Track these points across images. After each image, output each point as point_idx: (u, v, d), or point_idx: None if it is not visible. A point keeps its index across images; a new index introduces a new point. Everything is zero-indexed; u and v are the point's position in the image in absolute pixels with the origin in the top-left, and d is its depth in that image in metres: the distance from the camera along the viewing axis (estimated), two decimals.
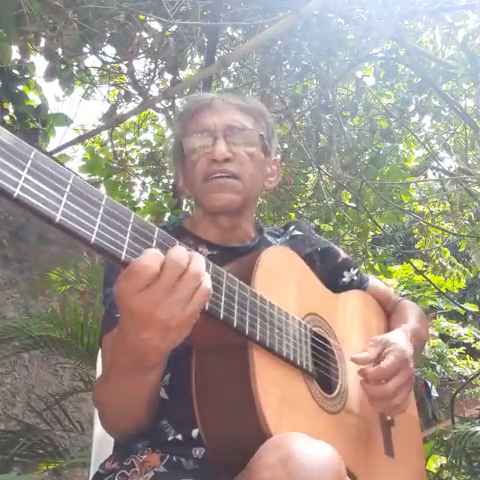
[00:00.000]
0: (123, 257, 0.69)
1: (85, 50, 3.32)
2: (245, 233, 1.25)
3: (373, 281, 1.41)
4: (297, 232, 1.34)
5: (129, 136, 5.12)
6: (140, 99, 3.60)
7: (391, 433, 1.16)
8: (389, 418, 1.14)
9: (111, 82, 4.09)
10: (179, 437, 1.00)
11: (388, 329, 1.32)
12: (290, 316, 0.96)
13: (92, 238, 0.66)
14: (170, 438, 1.00)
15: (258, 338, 0.86)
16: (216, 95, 1.23)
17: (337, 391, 1.04)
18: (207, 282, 0.77)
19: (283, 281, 1.04)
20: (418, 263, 5.29)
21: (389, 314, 1.38)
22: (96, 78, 4.00)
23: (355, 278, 1.36)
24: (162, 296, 0.73)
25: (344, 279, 1.35)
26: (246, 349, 0.87)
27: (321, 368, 1.03)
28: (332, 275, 1.31)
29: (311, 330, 1.03)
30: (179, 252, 0.74)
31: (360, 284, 1.36)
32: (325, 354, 1.06)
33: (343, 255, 1.39)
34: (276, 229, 1.38)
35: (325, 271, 1.27)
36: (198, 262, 0.75)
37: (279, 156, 1.36)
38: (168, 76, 3.67)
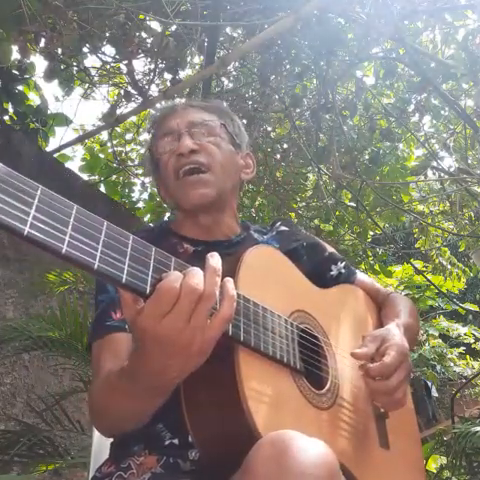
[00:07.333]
0: (123, 280, 0.71)
1: (85, 50, 3.32)
2: (228, 228, 1.26)
3: (361, 274, 1.40)
4: (283, 227, 1.36)
5: (129, 136, 5.12)
6: (140, 99, 3.60)
7: (385, 425, 1.15)
8: (382, 410, 1.14)
9: (111, 82, 4.09)
10: (175, 441, 1.00)
11: (379, 322, 1.31)
12: (276, 314, 0.96)
13: (95, 265, 0.68)
14: (167, 442, 1.01)
15: (242, 338, 0.85)
16: (179, 101, 1.31)
17: (327, 386, 1.04)
18: (227, 307, 0.78)
19: (267, 280, 1.03)
20: (418, 263, 5.29)
21: (379, 307, 1.36)
22: (96, 78, 3.99)
23: (343, 271, 1.36)
24: (185, 321, 0.74)
25: (332, 272, 1.35)
26: (232, 350, 0.86)
27: (310, 365, 1.02)
28: (320, 269, 1.32)
29: (298, 327, 1.02)
30: (197, 276, 0.75)
31: (348, 277, 1.36)
32: (314, 350, 1.06)
33: (330, 249, 1.40)
34: (263, 227, 1.39)
35: (312, 266, 1.27)
36: (212, 282, 0.76)
37: (250, 149, 1.39)
38: (168, 76, 3.67)
